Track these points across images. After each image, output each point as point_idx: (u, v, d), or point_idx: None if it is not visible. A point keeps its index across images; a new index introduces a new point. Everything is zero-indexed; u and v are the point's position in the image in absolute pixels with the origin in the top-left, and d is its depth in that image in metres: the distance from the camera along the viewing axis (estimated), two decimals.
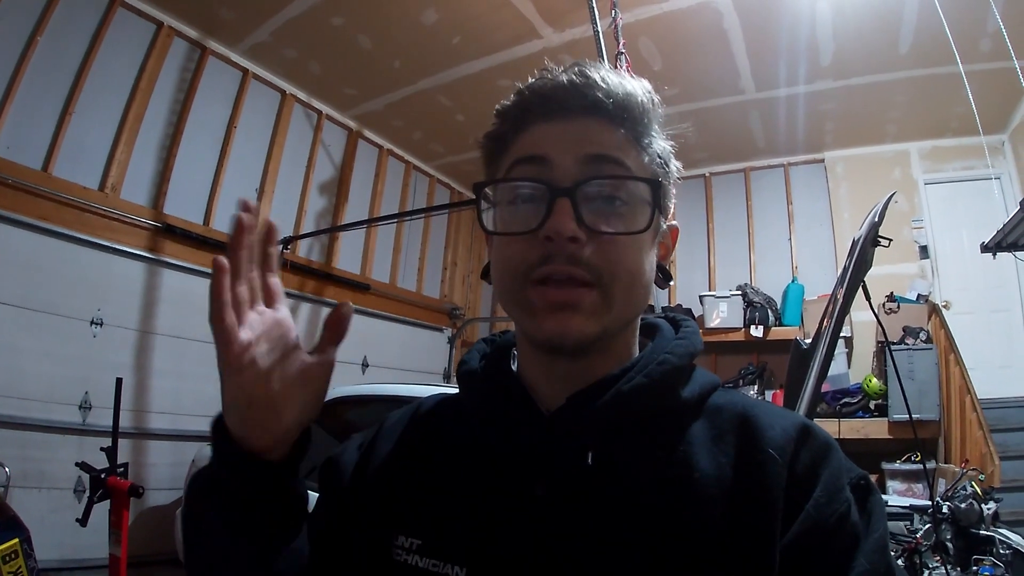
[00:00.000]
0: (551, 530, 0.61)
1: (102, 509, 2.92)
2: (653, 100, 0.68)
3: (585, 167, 0.63)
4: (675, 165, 0.71)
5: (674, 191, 0.72)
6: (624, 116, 0.66)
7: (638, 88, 0.67)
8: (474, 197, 0.70)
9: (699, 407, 0.67)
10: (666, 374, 0.66)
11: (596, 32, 3.39)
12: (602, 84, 0.65)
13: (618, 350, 0.69)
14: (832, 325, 2.59)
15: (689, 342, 0.71)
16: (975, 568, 2.86)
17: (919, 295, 5.73)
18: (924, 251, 6.00)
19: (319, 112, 6.21)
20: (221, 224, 5.21)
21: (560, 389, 0.66)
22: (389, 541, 0.67)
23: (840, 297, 2.59)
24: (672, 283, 0.74)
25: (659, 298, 6.92)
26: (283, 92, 5.84)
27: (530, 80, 0.68)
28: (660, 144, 0.69)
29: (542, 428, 0.65)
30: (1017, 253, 4.41)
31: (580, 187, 0.62)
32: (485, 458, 0.68)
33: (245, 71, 5.49)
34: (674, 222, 0.73)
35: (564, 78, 0.66)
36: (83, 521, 2.92)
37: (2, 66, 4.00)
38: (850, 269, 2.55)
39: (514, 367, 0.75)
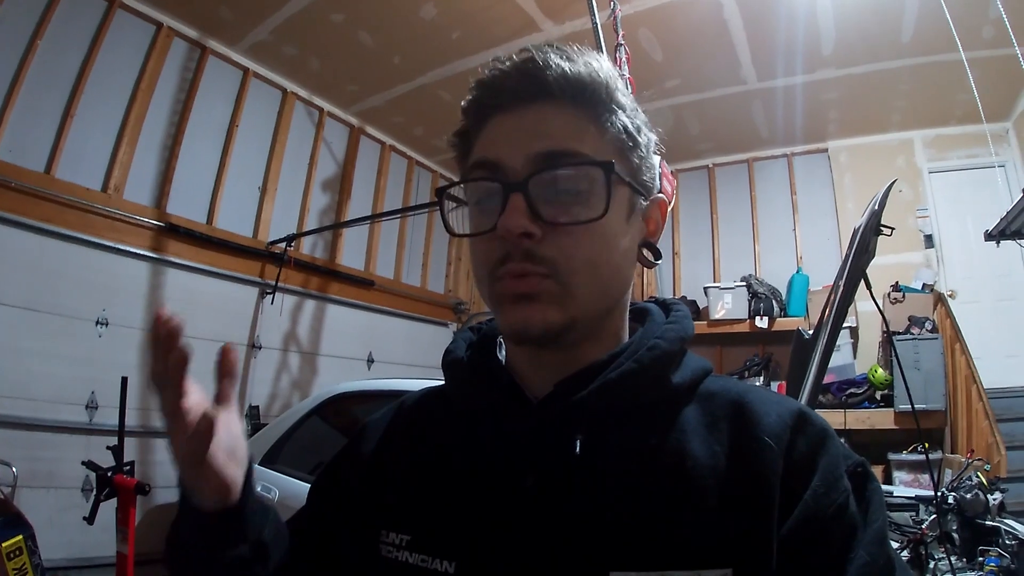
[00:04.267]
0: (541, 522, 0.60)
1: (109, 507, 2.93)
2: (611, 73, 0.65)
3: (536, 164, 0.61)
4: (648, 136, 0.68)
5: (658, 160, 0.70)
6: (578, 96, 0.63)
7: (592, 64, 0.64)
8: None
9: (691, 393, 0.66)
10: (656, 359, 0.64)
11: (595, 24, 3.38)
12: (552, 66, 0.62)
13: (605, 337, 0.68)
14: (833, 315, 2.57)
15: (680, 326, 0.69)
16: (981, 559, 2.85)
17: (924, 284, 5.67)
18: (929, 240, 5.94)
19: (320, 109, 6.20)
20: (224, 223, 5.22)
21: (548, 377, 0.65)
22: (376, 537, 0.67)
23: (841, 287, 2.57)
24: (660, 261, 0.72)
25: (663, 289, 6.90)
26: (284, 90, 5.84)
27: (482, 72, 0.66)
28: (624, 118, 0.65)
29: (530, 417, 0.64)
30: (1021, 241, 4.38)
31: (532, 179, 0.60)
32: (473, 450, 0.67)
33: (246, 70, 5.48)
34: (660, 195, 0.70)
35: (512, 66, 0.64)
36: (90, 519, 2.93)
37: (3, 70, 4.00)
38: (851, 258, 2.53)
39: (501, 356, 0.74)
